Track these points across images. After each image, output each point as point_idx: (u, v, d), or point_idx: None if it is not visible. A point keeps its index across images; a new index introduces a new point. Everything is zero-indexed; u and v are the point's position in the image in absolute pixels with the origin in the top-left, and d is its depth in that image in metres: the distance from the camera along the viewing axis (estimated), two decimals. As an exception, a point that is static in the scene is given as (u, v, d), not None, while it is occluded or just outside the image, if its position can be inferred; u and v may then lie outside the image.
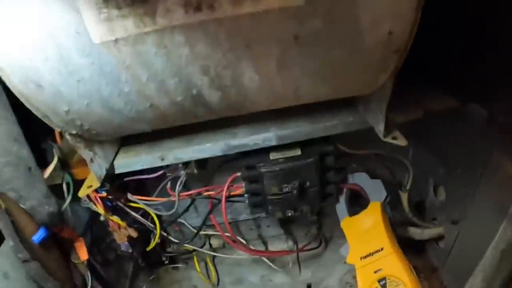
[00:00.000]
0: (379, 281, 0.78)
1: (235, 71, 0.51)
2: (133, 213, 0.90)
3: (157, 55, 0.48)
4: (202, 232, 1.00)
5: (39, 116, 0.58)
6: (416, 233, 0.94)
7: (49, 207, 0.68)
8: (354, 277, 0.93)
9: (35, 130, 0.68)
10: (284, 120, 0.74)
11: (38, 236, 0.67)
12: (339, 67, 0.55)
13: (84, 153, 0.68)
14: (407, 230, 0.93)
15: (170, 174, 0.87)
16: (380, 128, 0.69)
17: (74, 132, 0.63)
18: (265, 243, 1.08)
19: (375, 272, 0.79)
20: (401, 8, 0.48)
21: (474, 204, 0.77)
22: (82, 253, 0.79)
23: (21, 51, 0.49)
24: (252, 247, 0.96)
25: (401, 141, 0.71)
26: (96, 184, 0.72)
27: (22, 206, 0.64)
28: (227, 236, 0.88)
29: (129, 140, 0.81)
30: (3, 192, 0.64)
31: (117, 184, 0.87)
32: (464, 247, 0.83)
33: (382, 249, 0.80)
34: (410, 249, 0.95)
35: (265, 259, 0.99)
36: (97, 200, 0.84)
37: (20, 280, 0.73)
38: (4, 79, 0.53)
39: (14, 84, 0.53)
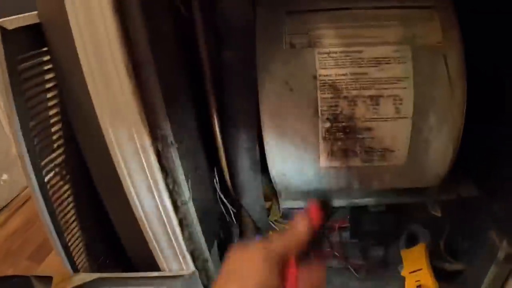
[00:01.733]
0: (417, 287, 1.58)
1: (371, 181, 1.34)
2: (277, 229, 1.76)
3: (346, 174, 1.30)
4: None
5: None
6: (447, 266, 1.67)
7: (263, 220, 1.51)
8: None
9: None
10: (379, 192, 1.54)
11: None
12: (418, 183, 1.37)
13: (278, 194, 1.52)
14: (442, 263, 1.69)
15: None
16: (431, 206, 1.51)
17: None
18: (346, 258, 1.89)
19: (416, 281, 1.59)
20: (444, 166, 1.28)
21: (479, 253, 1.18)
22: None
23: (285, 167, 1.24)
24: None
25: (437, 213, 1.51)
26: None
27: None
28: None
29: None
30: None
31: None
32: (471, 279, 1.30)
33: (421, 269, 1.60)
34: (446, 275, 1.54)
35: (350, 268, 1.81)
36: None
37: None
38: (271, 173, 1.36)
39: (273, 175, 1.35)
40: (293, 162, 1.19)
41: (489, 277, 1.08)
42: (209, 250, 1.03)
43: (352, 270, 1.77)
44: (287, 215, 1.51)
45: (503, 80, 1.00)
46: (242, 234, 1.41)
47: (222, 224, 1.38)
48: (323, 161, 1.21)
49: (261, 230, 1.43)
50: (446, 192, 1.44)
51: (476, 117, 1.09)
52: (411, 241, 1.72)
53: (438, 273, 1.58)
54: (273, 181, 1.28)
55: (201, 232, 0.96)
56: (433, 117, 1.12)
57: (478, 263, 1.23)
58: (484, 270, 1.12)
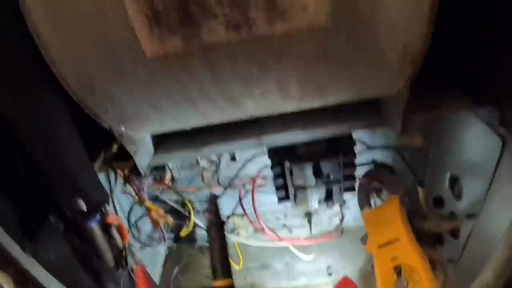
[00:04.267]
0: (394, 268, 0.85)
1: (267, 80, 0.59)
2: (170, 202, 1.00)
3: (201, 67, 0.56)
4: (230, 220, 1.09)
5: (91, 115, 0.65)
6: (432, 226, 1.00)
7: (99, 195, 0.77)
8: (373, 266, 1.00)
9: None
10: (311, 119, 0.81)
11: (90, 221, 0.77)
12: (362, 76, 0.62)
13: (129, 147, 0.76)
14: (424, 223, 0.99)
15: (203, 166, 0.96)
16: (397, 128, 0.76)
17: (121, 128, 0.72)
18: (290, 231, 1.17)
19: (391, 260, 0.86)
20: (414, 26, 0.55)
21: (487, 200, 0.81)
22: (125, 237, 0.89)
23: (80, 60, 0.56)
24: (278, 235, 1.04)
25: (417, 141, 0.78)
26: (139, 175, 0.83)
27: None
28: (255, 224, 0.98)
29: (166, 135, 0.88)
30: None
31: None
32: (478, 240, 0.87)
33: (398, 239, 0.88)
34: (428, 241, 1.01)
35: (290, 246, 1.07)
36: (137, 190, 0.95)
37: (68, 263, 0.83)
38: (63, 83, 0.59)
39: (72, 88, 0.59)
40: (92, 50, 0.56)
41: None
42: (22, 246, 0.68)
43: (294, 250, 1.04)
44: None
45: None
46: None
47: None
48: (146, 44, 0.43)
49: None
50: (423, 109, 0.80)
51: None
52: (375, 194, 0.97)
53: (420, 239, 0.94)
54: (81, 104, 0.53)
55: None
56: None
57: (488, 218, 0.77)
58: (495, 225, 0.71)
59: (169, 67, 0.55)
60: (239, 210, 1.02)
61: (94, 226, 0.82)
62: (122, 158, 0.83)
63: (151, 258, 1.19)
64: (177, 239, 1.14)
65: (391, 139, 1.08)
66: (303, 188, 0.87)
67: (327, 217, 1.17)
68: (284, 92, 0.62)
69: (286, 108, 0.71)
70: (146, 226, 1.12)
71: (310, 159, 0.84)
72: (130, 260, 0.93)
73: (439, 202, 1.10)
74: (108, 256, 0.87)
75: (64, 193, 0.75)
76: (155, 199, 1.02)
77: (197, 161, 0.96)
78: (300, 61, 0.56)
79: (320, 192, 0.90)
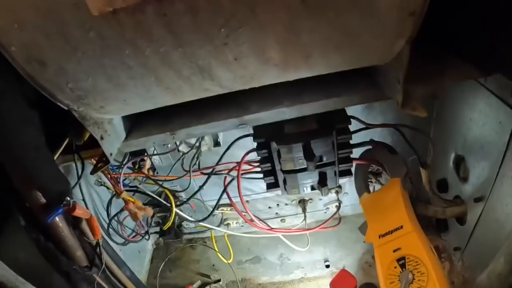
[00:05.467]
0: (397, 260, 0.75)
1: (239, 40, 0.48)
2: (149, 192, 0.90)
3: (158, 25, 0.46)
4: (218, 211, 0.99)
5: (46, 95, 0.56)
6: (437, 211, 0.90)
7: (59, 186, 0.68)
8: (373, 257, 0.90)
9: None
10: (298, 93, 0.71)
11: (51, 216, 0.67)
12: (352, 32, 0.51)
13: (94, 130, 0.66)
14: (428, 208, 0.89)
15: (183, 152, 0.86)
16: (398, 99, 0.66)
17: (81, 109, 0.62)
18: (283, 221, 1.06)
19: (394, 251, 0.76)
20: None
21: (498, 181, 0.72)
22: (96, 232, 0.79)
23: (22, 29, 0.47)
24: (270, 225, 0.94)
25: (421, 112, 0.67)
26: (106, 163, 0.72)
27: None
28: (244, 214, 0.87)
29: (141, 118, 0.79)
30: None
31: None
32: (487, 226, 0.79)
33: (401, 227, 0.77)
34: (432, 228, 0.92)
35: (283, 238, 0.97)
36: (111, 179, 0.84)
37: (32, 260, 0.74)
38: (9, 59, 0.50)
39: (19, 63, 0.51)
40: (34, 13, 0.45)
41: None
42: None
43: (287, 241, 0.93)
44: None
45: None
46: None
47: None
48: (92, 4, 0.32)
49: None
50: (425, 79, 0.69)
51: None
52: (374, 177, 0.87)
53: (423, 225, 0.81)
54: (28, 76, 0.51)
55: None
56: None
57: (498, 201, 0.70)
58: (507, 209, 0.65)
59: (120, 27, 0.44)
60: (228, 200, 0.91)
61: (60, 220, 0.72)
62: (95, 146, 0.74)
63: (137, 254, 1.09)
64: (163, 233, 1.04)
65: (389, 115, 0.97)
66: (293, 172, 0.77)
67: (323, 204, 1.07)
68: (262, 56, 0.51)
69: (269, 79, 0.60)
70: (129, 220, 1.03)
71: (299, 139, 0.73)
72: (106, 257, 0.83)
73: (443, 185, 1.00)
74: (79, 254, 0.78)
75: (21, 186, 0.66)
76: (135, 190, 0.91)
77: (176, 146, 0.86)
78: (277, 12, 0.45)
79: (313, 177, 0.80)
